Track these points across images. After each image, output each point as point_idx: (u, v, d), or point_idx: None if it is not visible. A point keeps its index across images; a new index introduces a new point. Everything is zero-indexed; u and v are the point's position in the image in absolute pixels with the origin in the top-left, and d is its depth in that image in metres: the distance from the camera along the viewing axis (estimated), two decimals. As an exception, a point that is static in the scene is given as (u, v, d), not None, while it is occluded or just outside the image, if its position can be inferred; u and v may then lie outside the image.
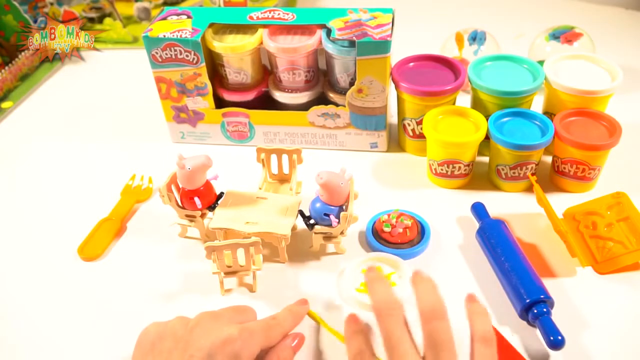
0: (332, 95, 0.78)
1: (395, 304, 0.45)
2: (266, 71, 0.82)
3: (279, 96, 0.80)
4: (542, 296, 0.55)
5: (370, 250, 0.65)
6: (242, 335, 0.48)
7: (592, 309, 0.58)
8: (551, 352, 0.53)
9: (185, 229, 0.68)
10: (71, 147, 0.85)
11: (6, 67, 0.98)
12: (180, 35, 0.73)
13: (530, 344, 0.55)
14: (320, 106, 0.77)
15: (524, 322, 0.57)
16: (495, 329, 0.56)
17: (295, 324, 0.55)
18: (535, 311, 0.54)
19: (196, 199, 0.63)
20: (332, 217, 0.61)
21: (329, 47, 0.74)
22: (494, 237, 0.62)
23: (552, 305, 0.56)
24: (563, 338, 0.52)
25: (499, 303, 0.59)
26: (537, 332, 0.55)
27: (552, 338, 0.52)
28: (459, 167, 0.71)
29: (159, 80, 0.77)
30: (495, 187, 0.73)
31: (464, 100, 0.78)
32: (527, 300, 0.55)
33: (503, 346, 0.54)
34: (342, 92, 0.77)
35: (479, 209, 0.67)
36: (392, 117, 0.82)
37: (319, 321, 0.57)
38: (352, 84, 0.75)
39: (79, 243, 0.67)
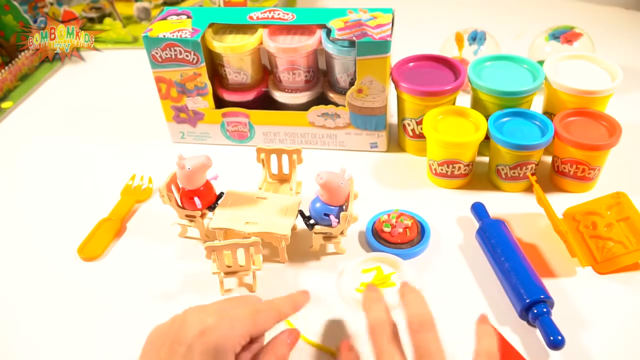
0: (332, 95, 0.78)
1: (387, 321, 0.45)
2: (266, 71, 0.82)
3: (279, 96, 0.80)
4: (542, 296, 0.55)
5: (370, 250, 0.65)
6: (221, 324, 0.47)
7: (592, 309, 0.58)
8: (551, 352, 0.53)
9: (185, 229, 0.68)
10: (71, 147, 0.85)
11: (6, 67, 0.98)
12: (180, 35, 0.73)
13: (530, 344, 0.55)
14: (320, 106, 0.77)
15: (524, 322, 0.57)
16: (497, 330, 0.56)
17: (293, 312, 0.53)
18: (535, 311, 0.54)
19: (196, 199, 0.63)
20: (332, 217, 0.60)
21: (329, 47, 0.74)
22: (494, 237, 0.62)
23: (552, 305, 0.56)
24: (563, 338, 0.52)
25: (499, 303, 0.59)
26: (537, 332, 0.55)
27: (552, 338, 0.52)
28: (459, 167, 0.71)
29: (159, 80, 0.77)
30: (495, 187, 0.73)
31: (464, 100, 0.78)
32: (527, 300, 0.55)
33: (506, 349, 0.54)
34: (342, 92, 0.77)
35: (479, 209, 0.67)
36: (392, 117, 0.82)
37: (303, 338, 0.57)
38: (352, 84, 0.75)
39: (79, 243, 0.67)
